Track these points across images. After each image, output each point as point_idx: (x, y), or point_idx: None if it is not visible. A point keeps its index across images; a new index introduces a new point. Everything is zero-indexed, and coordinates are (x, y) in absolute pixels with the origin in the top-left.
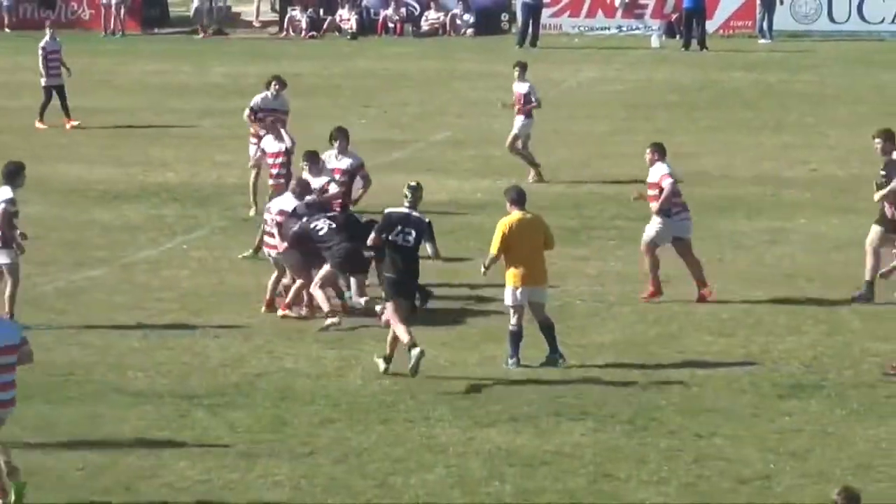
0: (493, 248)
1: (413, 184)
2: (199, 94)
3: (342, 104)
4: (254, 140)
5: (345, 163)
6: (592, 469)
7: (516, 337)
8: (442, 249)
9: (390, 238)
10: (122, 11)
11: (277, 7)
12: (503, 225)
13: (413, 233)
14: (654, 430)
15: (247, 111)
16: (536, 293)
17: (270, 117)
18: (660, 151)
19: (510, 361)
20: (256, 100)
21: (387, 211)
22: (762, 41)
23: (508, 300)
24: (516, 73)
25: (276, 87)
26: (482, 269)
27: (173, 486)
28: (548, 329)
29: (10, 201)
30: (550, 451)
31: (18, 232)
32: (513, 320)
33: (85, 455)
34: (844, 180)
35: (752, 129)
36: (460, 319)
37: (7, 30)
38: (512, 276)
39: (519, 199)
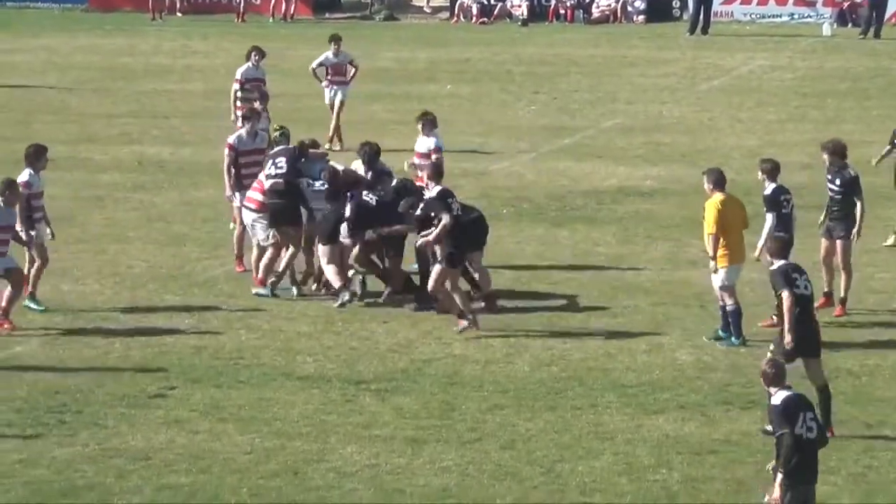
0: (711, 228)
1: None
2: (367, 79)
3: (512, 90)
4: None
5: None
6: (761, 458)
7: (739, 315)
8: (610, 237)
9: None
10: None
11: None
12: (713, 206)
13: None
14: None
15: (235, 86)
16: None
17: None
18: None
19: (735, 341)
20: (240, 72)
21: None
22: None
23: (726, 281)
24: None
25: (256, 57)
26: (712, 264)
27: (340, 471)
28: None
29: (26, 184)
30: (719, 439)
31: (40, 215)
32: (731, 300)
33: (253, 439)
34: None
35: None
36: (626, 306)
37: (179, 14)
38: (725, 255)
39: (720, 181)
